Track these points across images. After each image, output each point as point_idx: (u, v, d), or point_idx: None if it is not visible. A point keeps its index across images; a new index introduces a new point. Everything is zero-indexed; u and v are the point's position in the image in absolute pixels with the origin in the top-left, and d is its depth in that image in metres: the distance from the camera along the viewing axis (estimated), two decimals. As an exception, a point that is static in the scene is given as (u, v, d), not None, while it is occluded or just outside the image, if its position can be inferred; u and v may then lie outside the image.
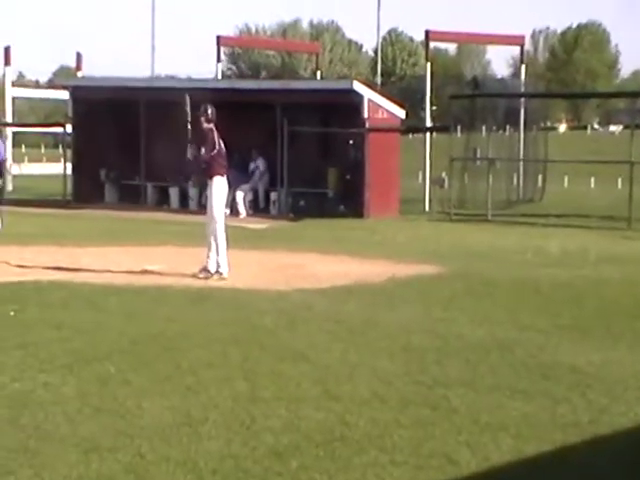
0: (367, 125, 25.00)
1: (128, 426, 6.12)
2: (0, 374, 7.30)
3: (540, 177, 30.37)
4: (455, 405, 6.77)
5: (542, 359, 8.28)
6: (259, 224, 22.96)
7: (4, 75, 35.90)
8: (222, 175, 13.20)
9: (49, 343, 8.48)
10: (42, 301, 10.61)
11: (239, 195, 25.36)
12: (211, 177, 13.19)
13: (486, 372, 7.78)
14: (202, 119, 13.12)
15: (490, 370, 7.86)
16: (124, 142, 26.62)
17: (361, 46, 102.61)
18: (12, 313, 9.77)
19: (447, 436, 6.07)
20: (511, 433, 6.14)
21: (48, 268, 13.49)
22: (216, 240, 13.14)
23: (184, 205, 26.60)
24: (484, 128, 30.66)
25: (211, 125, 13.15)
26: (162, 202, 27.21)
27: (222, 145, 13.17)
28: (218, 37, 36.99)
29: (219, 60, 37.05)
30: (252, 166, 26.49)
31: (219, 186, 13.24)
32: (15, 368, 7.52)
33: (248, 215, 25.16)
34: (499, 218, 24.68)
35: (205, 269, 13.12)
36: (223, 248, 13.13)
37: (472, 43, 70.94)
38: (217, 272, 13.08)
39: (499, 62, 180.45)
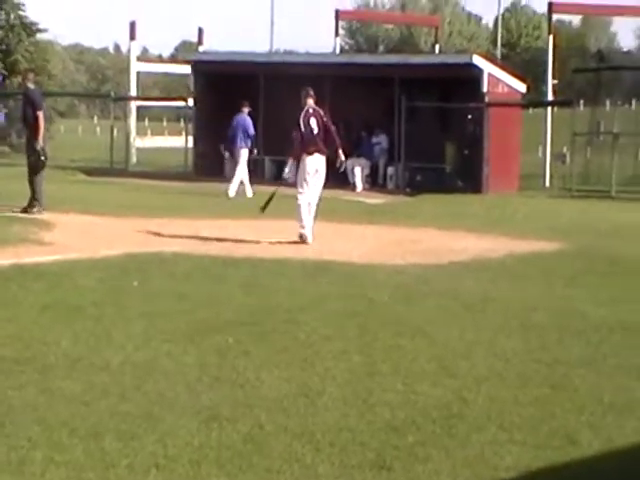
0: (487, 99, 24.65)
1: (247, 396, 6.20)
2: (125, 343, 7.48)
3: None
4: (576, 385, 6.65)
5: (668, 340, 8.05)
6: (376, 199, 22.93)
7: (129, 50, 36.55)
8: (308, 154, 13.80)
9: (171, 313, 8.65)
10: (165, 272, 10.81)
11: (357, 169, 25.36)
12: (299, 155, 13.95)
13: (609, 352, 7.61)
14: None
15: (613, 350, 7.68)
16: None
17: (480, 19, 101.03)
18: (135, 283, 9.98)
19: (568, 416, 5.96)
20: (636, 415, 6.00)
21: (171, 239, 13.76)
22: (297, 209, 13.74)
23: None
24: (608, 102, 29.89)
25: (305, 105, 14.03)
26: (279, 176, 27.34)
27: (312, 125, 13.86)
28: (337, 11, 36.91)
29: (337, 34, 36.98)
30: (374, 140, 26.48)
31: (303, 163, 13.92)
32: (139, 337, 7.70)
33: (364, 189, 25.14)
34: (624, 195, 24.05)
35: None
36: (304, 217, 13.72)
37: (597, 15, 69.10)
38: (302, 242, 13.66)
39: (626, 34, 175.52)
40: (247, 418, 5.75)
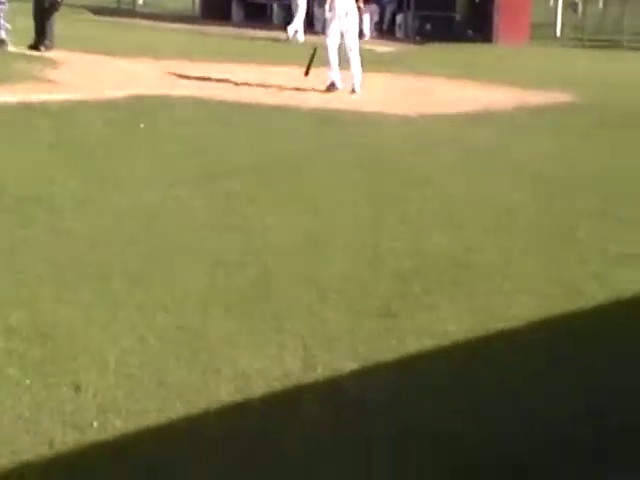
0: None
1: (254, 243, 6.21)
2: (133, 185, 7.45)
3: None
4: (583, 236, 6.65)
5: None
6: (385, 47, 22.49)
7: None
8: None
9: (178, 157, 8.59)
10: (172, 115, 10.70)
11: (365, 16, 24.75)
12: None
13: (618, 203, 7.59)
14: None
15: (623, 201, 7.66)
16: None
17: None
18: (142, 126, 9.88)
19: (574, 267, 5.98)
20: (642, 266, 6.01)
21: (179, 82, 13.58)
22: (326, 56, 13.49)
23: (310, 25, 26.20)
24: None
25: None
26: (288, 21, 26.78)
27: None
28: None
29: None
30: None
31: (332, 5, 13.57)
32: (146, 180, 7.66)
33: (372, 37, 24.65)
34: (636, 44, 23.57)
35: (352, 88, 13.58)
36: (333, 64, 13.55)
37: None
38: (331, 84, 13.52)
39: None
40: (254, 264, 5.76)
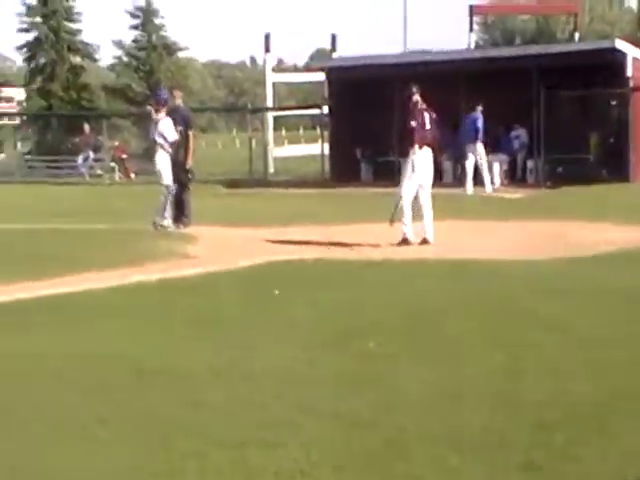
0: (631, 84, 23.89)
1: (388, 400, 6.11)
2: (266, 351, 7.51)
3: None
4: None
5: None
6: (515, 194, 22.53)
7: (265, 62, 37.06)
8: (419, 147, 13.63)
9: (310, 320, 8.62)
10: (305, 279, 10.83)
11: (495, 165, 25.00)
12: (410, 147, 13.67)
13: None
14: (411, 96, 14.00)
15: None
16: (378, 119, 26.82)
17: (622, 1, 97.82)
18: (276, 292, 10.00)
19: None
20: None
21: (309, 246, 13.81)
22: (402, 206, 13.63)
23: (439, 179, 26.48)
24: None
25: (414, 99, 13.86)
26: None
27: (426, 117, 13.78)
28: (471, 6, 36.59)
29: (472, 30, 36.56)
30: (513, 134, 26.14)
31: (413, 157, 13.66)
32: (280, 345, 7.70)
33: (503, 185, 24.76)
34: None
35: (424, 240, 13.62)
36: (408, 217, 13.64)
37: None
38: (403, 239, 13.52)
39: None
40: (388, 422, 5.66)
